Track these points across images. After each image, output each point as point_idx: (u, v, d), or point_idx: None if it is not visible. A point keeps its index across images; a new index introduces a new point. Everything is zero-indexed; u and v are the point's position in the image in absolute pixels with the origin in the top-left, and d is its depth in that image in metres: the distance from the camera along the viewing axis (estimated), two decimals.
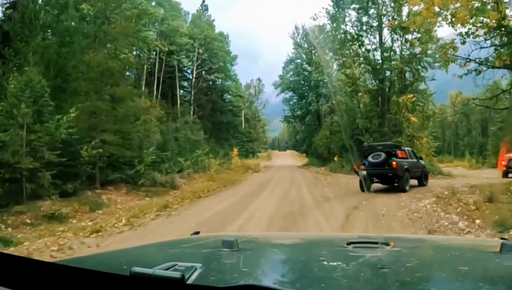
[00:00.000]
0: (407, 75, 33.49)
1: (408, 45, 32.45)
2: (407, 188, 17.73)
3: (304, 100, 62.92)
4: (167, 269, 1.30)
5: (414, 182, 19.67)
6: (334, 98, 43.47)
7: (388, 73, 33.55)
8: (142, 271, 1.11)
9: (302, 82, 63.91)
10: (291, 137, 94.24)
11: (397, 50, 33.65)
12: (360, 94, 35.17)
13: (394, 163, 17.36)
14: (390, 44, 33.89)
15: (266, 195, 19.34)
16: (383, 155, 17.96)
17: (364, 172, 17.84)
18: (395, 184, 18.03)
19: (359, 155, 34.85)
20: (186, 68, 55.08)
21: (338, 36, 36.59)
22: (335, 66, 46.06)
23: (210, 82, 57.38)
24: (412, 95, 31.31)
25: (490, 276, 1.55)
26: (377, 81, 33.90)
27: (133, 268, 1.11)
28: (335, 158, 39.95)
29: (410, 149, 21.68)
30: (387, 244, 1.94)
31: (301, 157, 70.03)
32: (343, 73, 38.20)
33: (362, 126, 34.37)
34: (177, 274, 1.11)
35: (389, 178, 18.14)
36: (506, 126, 50.79)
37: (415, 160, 19.99)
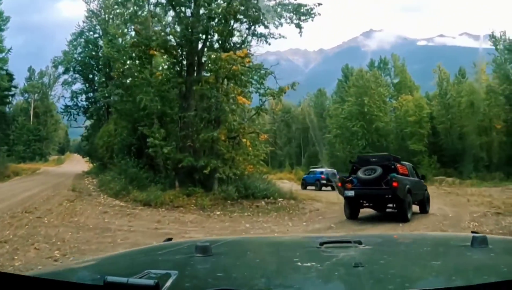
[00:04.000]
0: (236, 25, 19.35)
1: None
2: (409, 216, 13.68)
3: (92, 85, 48.37)
4: (141, 277, 1.30)
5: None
6: (114, 68, 27.98)
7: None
8: (116, 280, 1.10)
9: (91, 60, 48.29)
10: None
11: None
12: (153, 52, 19.77)
13: (394, 181, 13.20)
14: None
15: None
16: (378, 170, 13.78)
17: (352, 193, 13.87)
18: (388, 210, 14.44)
19: (147, 160, 21.77)
20: None
21: None
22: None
23: None
24: (245, 51, 17.17)
25: (462, 270, 1.57)
26: (184, 32, 18.84)
27: (107, 277, 1.11)
28: None
29: (410, 164, 17.26)
30: (360, 243, 1.90)
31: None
32: (134, 29, 22.92)
33: (152, 110, 19.16)
34: (151, 282, 1.11)
35: (385, 202, 14.13)
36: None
37: (416, 178, 16.01)
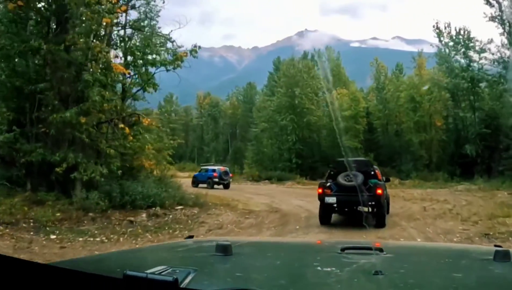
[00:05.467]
0: None
1: None
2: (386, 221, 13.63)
3: None
4: (160, 273, 1.29)
5: None
6: None
7: None
8: (135, 275, 1.10)
9: None
10: None
11: None
12: (11, 7, 14.48)
13: (379, 188, 12.96)
14: None
15: None
16: (360, 176, 12.78)
17: (333, 199, 13.24)
18: (364, 214, 13.54)
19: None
20: None
21: None
22: None
23: None
24: None
25: (484, 284, 1.54)
26: None
27: (126, 271, 1.10)
28: None
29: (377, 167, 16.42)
30: (381, 250, 1.89)
31: None
32: None
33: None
34: (170, 278, 1.11)
35: (356, 207, 13.34)
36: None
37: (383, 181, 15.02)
